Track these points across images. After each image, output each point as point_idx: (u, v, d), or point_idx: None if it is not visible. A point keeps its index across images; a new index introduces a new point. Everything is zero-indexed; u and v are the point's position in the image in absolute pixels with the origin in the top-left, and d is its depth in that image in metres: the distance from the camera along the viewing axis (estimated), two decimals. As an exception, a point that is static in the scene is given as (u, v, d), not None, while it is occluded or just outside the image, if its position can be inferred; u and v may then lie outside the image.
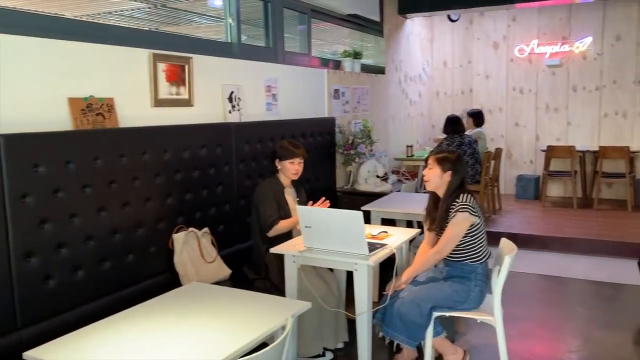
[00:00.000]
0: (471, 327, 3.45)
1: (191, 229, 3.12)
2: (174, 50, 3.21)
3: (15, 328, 2.28)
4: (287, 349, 1.81)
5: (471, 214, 2.74)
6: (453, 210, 2.76)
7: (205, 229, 3.21)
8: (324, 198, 3.18)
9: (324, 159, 4.74)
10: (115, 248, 2.72)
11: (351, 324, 2.93)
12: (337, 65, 5.46)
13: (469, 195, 2.80)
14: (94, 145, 2.59)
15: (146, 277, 2.87)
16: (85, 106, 2.63)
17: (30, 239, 2.32)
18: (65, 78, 2.59)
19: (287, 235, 3.17)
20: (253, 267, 3.25)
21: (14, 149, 2.24)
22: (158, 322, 2.01)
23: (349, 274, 2.91)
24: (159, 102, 3.08)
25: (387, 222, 3.97)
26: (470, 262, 2.80)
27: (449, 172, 2.82)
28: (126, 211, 2.77)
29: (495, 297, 2.70)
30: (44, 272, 2.39)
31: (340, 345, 3.16)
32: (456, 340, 3.29)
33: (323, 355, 3.06)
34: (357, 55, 5.54)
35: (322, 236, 2.76)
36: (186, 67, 3.26)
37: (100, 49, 2.76)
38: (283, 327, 1.94)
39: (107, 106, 2.74)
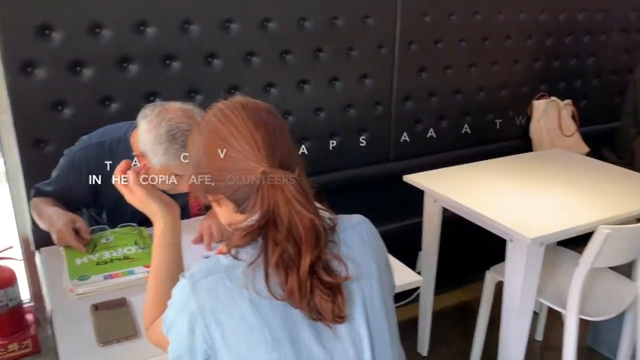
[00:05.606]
0: None
1: (553, 98, 2.98)
2: None
3: (387, 160, 2.65)
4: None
5: None
6: None
7: (568, 101, 3.03)
8: None
9: None
10: (478, 105, 2.81)
11: None
12: None
13: None
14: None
15: (501, 139, 2.92)
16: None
17: (409, 84, 2.57)
18: None
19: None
20: (615, 150, 2.96)
21: (408, -3, 2.42)
22: (519, 175, 2.02)
23: None
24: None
25: None
26: None
27: None
28: (494, 70, 2.79)
29: None
30: (415, 116, 2.65)
31: None
32: None
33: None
34: None
35: None
36: None
37: None
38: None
39: (492, -41, 2.67)
